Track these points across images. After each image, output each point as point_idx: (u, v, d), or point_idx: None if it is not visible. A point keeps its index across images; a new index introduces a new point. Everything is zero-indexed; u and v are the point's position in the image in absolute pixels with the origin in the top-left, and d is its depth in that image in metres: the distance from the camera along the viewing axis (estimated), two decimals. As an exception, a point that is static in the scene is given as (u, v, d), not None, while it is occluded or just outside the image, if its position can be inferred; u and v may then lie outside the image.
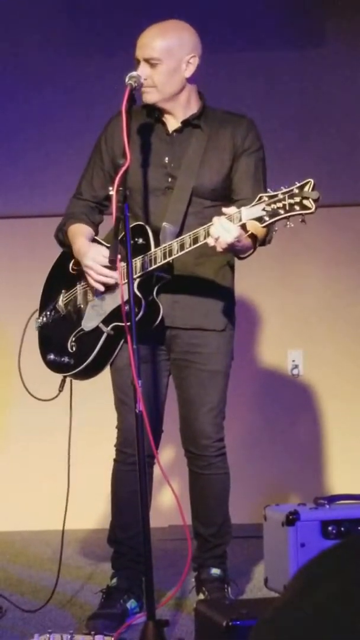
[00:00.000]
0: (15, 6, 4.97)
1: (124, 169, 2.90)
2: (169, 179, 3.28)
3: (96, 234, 3.40)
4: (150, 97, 3.25)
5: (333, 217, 5.00)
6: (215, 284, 3.36)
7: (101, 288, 3.24)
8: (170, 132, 3.31)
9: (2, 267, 5.14)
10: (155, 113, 3.30)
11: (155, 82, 3.22)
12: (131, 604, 3.34)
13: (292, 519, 3.29)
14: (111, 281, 3.20)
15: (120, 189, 2.89)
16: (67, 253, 3.41)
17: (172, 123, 3.32)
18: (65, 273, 3.40)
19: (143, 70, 3.20)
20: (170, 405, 3.44)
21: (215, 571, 3.44)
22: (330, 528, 3.30)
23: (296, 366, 5.10)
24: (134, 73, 3.13)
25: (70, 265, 3.39)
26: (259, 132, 3.36)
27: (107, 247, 3.26)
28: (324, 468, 5.01)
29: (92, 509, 4.68)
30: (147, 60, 3.21)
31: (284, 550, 3.30)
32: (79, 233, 3.35)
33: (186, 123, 3.31)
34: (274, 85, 5.02)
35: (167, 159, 3.29)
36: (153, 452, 3.07)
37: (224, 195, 3.31)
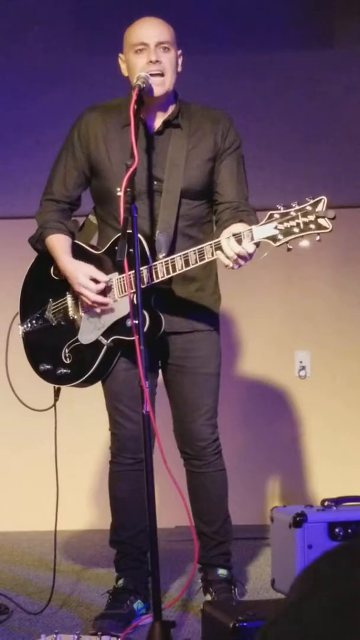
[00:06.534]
0: (21, 7, 4.97)
1: (132, 169, 2.87)
2: (154, 182, 3.24)
3: (73, 238, 3.35)
4: (161, 88, 3.16)
5: (340, 218, 4.95)
6: (204, 283, 3.35)
7: (98, 310, 3.24)
8: (151, 133, 3.25)
9: None
10: (139, 111, 3.11)
11: (167, 68, 3.16)
12: (138, 604, 3.34)
13: (299, 521, 3.29)
14: (104, 306, 3.20)
15: (128, 189, 2.87)
16: (45, 257, 3.35)
17: (153, 123, 3.26)
18: (48, 279, 3.35)
19: (158, 54, 3.14)
20: (162, 406, 3.43)
21: (222, 572, 3.44)
22: (337, 530, 3.31)
23: (303, 367, 5.09)
24: (142, 73, 3.10)
25: (52, 270, 3.35)
26: (236, 126, 3.33)
27: (94, 254, 3.27)
28: (330, 469, 5.00)
29: (88, 509, 4.67)
30: (160, 44, 3.16)
31: (291, 551, 3.30)
32: (60, 249, 3.29)
33: (167, 123, 3.26)
34: (281, 87, 5.01)
35: (149, 160, 3.24)
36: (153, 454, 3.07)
37: (208, 193, 3.31)
